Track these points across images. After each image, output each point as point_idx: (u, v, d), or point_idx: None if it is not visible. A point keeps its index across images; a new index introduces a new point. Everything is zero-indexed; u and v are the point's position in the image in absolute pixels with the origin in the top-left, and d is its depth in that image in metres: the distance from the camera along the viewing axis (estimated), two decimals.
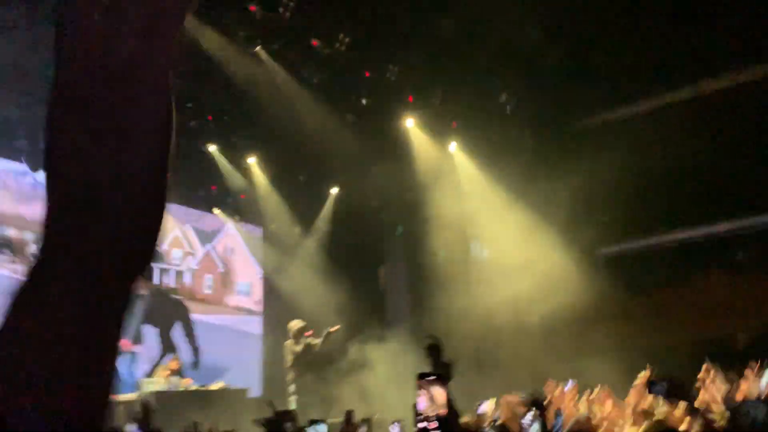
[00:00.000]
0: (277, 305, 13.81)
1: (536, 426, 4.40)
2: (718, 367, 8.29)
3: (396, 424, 4.60)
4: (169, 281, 12.80)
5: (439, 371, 1.74)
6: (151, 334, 12.10)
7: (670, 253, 14.05)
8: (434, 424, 1.64)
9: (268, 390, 12.81)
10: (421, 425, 1.64)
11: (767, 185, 12.13)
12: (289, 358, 11.34)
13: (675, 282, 13.90)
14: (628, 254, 14.34)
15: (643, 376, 5.98)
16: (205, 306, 13.25)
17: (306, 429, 4.38)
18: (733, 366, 8.45)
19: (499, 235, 13.02)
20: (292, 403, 10.64)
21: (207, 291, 13.39)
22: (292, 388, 11.22)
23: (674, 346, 10.59)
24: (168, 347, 12.31)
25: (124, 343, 11.08)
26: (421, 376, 1.68)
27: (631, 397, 6.05)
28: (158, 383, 10.39)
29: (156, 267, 12.60)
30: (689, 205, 13.16)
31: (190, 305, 13.02)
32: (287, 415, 4.61)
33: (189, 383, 10.78)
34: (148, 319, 12.05)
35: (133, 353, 11.58)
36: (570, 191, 11.76)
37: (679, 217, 13.55)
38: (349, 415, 5.18)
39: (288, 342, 11.42)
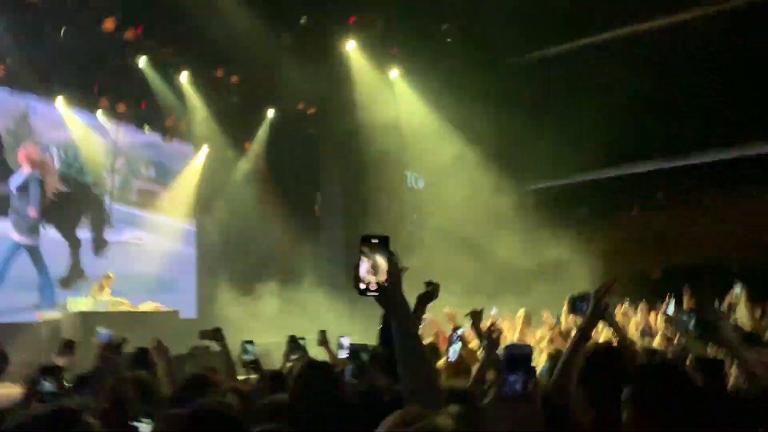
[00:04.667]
0: (210, 227, 13.66)
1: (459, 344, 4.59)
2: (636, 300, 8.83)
3: (346, 337, 4.71)
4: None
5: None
6: (52, 228, 11.49)
7: (598, 191, 14.63)
8: (374, 286, 1.65)
9: (202, 312, 12.81)
10: (361, 286, 1.65)
11: (692, 128, 12.64)
12: None
13: (600, 218, 14.54)
14: (557, 190, 14.83)
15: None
16: (139, 223, 12.95)
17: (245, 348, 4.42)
18: (647, 299, 8.99)
19: (434, 166, 13.16)
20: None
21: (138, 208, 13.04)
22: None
23: (598, 278, 11.16)
24: (73, 242, 11.86)
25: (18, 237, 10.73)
26: (365, 239, 1.66)
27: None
28: (84, 303, 10.14)
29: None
30: (619, 145, 13.56)
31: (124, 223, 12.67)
32: (217, 333, 4.65)
33: (123, 303, 10.52)
34: (50, 212, 11.38)
35: (32, 247, 10.96)
36: (508, 125, 11.91)
37: (608, 155, 13.99)
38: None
39: None
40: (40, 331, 9.90)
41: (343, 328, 5.93)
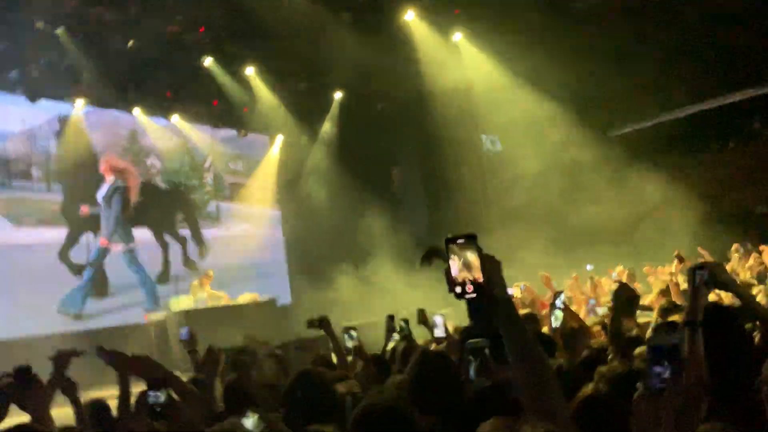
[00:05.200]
0: (294, 211, 13.90)
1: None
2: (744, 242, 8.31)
3: (440, 316, 4.64)
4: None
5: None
6: (145, 231, 11.97)
7: (688, 128, 13.82)
8: (471, 288, 1.52)
9: (296, 297, 13.10)
10: (457, 290, 1.53)
11: None
12: None
13: (693, 157, 13.75)
14: (643, 133, 14.12)
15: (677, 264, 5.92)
16: (232, 215, 13.42)
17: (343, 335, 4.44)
18: (751, 238, 8.46)
19: (510, 126, 12.79)
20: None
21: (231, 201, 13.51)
22: None
23: (693, 221, 10.59)
24: (171, 241, 12.34)
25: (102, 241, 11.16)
26: (450, 241, 1.55)
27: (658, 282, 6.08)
28: (185, 302, 10.54)
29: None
30: (701, 78, 12.77)
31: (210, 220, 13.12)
32: (324, 322, 4.67)
33: (222, 297, 10.89)
34: (141, 215, 11.79)
35: (128, 252, 11.42)
36: (583, 73, 11.39)
37: (692, 90, 13.21)
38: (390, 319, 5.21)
39: None
40: (149, 331, 10.41)
41: (431, 305, 5.84)
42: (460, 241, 1.56)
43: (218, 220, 13.37)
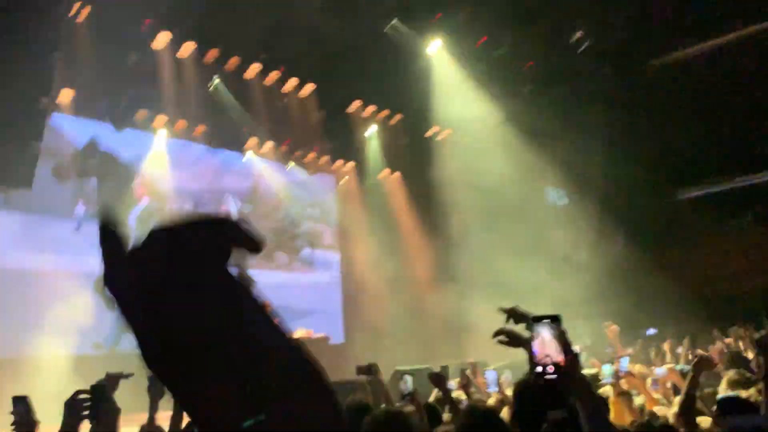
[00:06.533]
0: (353, 254, 14.04)
1: None
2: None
3: (492, 371, 4.61)
4: None
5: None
6: None
7: (762, 194, 13.34)
8: (551, 369, 1.57)
9: (349, 337, 13.15)
10: (538, 370, 1.58)
11: None
12: None
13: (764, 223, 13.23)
14: (712, 196, 13.72)
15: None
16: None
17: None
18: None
19: (577, 180, 12.65)
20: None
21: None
22: None
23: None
24: None
25: None
26: (536, 320, 1.62)
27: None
28: None
29: None
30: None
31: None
32: (372, 369, 4.67)
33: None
34: None
35: None
36: (652, 132, 11.26)
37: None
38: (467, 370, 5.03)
39: None
40: None
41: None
42: (545, 320, 1.63)
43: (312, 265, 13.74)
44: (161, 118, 11.11)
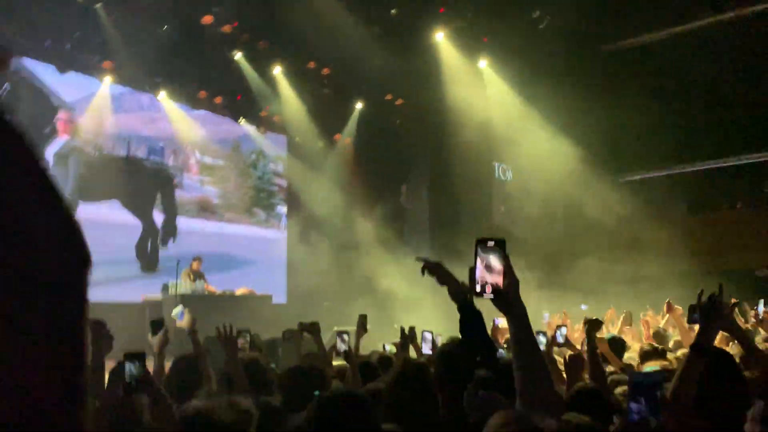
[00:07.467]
0: (300, 214, 14.01)
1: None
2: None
3: (428, 332, 4.74)
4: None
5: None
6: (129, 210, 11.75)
7: (699, 183, 13.88)
8: (489, 288, 1.60)
9: (292, 297, 13.19)
10: (477, 288, 1.61)
11: None
12: None
13: (698, 212, 13.81)
14: (652, 181, 14.21)
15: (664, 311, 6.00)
16: (231, 213, 13.48)
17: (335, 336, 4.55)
18: (747, 297, 8.49)
19: (523, 158, 12.90)
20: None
21: (232, 198, 13.59)
22: None
23: (689, 275, 10.63)
24: (149, 223, 12.14)
25: None
26: (481, 242, 1.62)
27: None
28: (183, 286, 10.57)
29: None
30: (719, 135, 12.85)
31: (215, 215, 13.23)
32: (314, 328, 4.75)
33: (212, 290, 10.94)
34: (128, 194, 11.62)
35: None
36: (601, 115, 11.52)
37: (708, 145, 13.28)
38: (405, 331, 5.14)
39: None
40: (144, 312, 10.44)
41: (427, 323, 5.90)
42: (490, 243, 1.61)
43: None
44: (108, 64, 10.79)
